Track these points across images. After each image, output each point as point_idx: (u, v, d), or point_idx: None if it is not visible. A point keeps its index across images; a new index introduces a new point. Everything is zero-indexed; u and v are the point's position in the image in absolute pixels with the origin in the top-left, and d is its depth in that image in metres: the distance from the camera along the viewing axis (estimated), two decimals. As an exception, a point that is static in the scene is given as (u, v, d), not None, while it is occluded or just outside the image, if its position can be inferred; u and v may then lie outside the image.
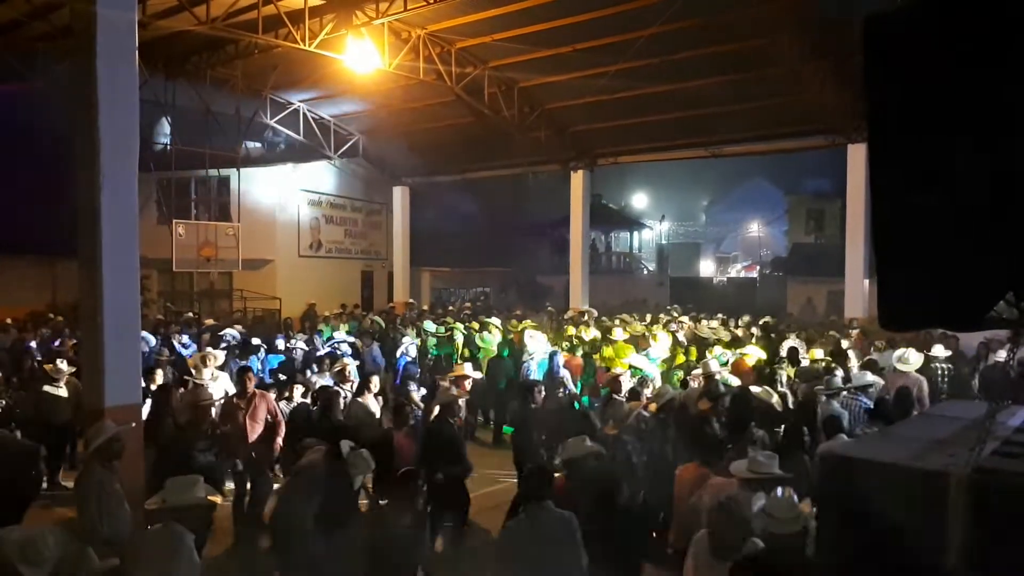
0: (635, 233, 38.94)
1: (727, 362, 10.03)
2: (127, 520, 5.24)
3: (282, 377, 10.79)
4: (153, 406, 7.56)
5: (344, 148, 22.19)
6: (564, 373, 10.80)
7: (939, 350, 10.16)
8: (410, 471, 5.31)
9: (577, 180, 20.19)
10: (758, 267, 40.28)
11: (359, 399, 8.03)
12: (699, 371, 8.79)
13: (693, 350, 11.28)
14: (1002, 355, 9.50)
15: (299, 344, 12.60)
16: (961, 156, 2.26)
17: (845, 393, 7.69)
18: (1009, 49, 2.15)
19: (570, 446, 5.20)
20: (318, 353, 11.68)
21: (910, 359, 9.09)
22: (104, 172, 6.53)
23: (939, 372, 9.98)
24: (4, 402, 9.40)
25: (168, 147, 20.36)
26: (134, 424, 6.44)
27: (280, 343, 12.32)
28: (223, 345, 11.50)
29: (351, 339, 13.24)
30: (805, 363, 9.87)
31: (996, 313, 2.35)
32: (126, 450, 5.53)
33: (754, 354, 10.55)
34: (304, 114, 20.41)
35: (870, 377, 8.09)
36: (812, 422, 6.97)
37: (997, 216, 2.19)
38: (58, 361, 9.31)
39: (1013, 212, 2.16)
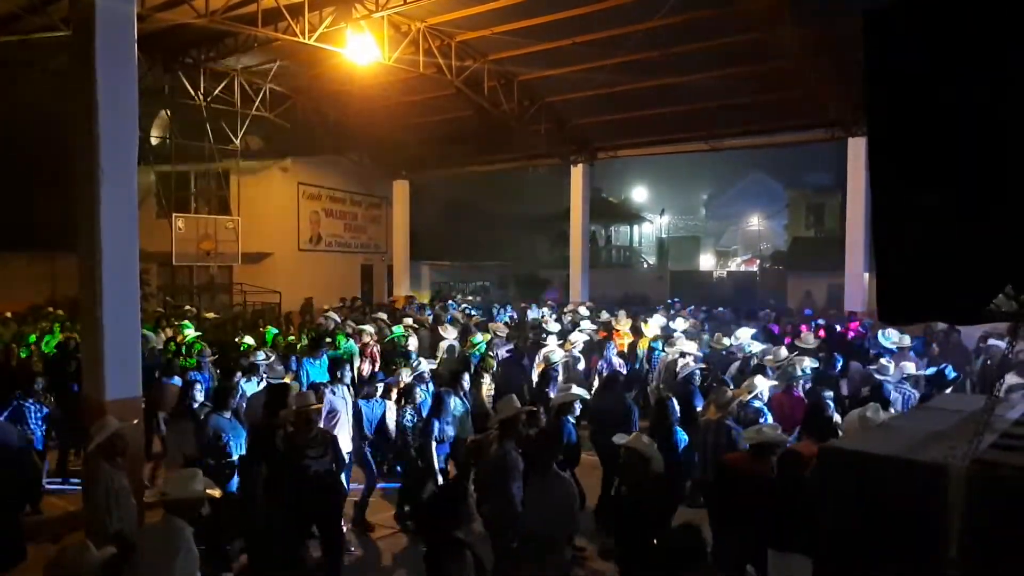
0: (635, 227, 38.94)
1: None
2: (135, 514, 5.26)
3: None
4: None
5: (343, 141, 22.14)
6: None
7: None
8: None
9: (577, 174, 20.19)
10: (758, 261, 40.28)
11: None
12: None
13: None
14: (1001, 345, 9.58)
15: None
16: (960, 150, 2.27)
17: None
18: (1007, 45, 2.15)
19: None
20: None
21: (892, 337, 9.68)
22: (103, 165, 6.53)
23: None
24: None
25: (167, 140, 20.33)
26: (136, 421, 6.43)
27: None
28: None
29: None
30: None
31: (995, 306, 2.36)
32: (129, 446, 5.52)
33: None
34: (303, 107, 20.35)
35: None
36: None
37: (995, 209, 2.20)
38: None
39: (1011, 205, 2.16)
